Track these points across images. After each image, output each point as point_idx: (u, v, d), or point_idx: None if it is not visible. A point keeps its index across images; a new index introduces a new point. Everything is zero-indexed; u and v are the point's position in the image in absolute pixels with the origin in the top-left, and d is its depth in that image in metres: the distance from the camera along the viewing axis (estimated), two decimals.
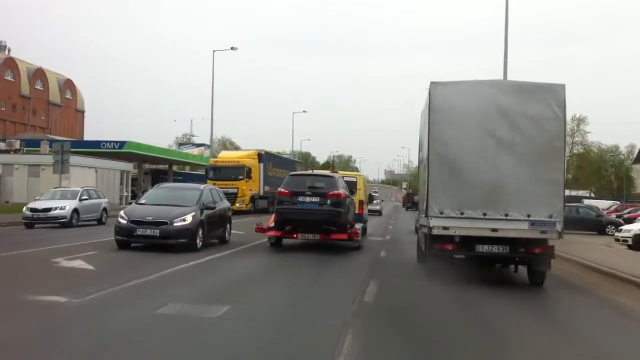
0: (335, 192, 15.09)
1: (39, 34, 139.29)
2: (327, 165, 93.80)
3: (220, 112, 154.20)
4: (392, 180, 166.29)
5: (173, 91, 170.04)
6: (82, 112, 79.51)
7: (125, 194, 47.49)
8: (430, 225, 10.43)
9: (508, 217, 10.19)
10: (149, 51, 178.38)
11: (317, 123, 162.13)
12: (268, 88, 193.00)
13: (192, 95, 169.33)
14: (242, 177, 36.16)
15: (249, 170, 36.69)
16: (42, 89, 70.89)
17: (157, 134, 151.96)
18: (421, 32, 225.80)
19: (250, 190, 36.84)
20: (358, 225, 17.31)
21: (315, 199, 14.91)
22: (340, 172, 22.86)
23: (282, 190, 15.28)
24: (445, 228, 10.37)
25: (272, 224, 15.78)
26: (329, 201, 14.88)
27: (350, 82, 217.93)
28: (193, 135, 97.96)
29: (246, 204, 36.00)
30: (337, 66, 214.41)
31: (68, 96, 76.02)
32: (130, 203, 48.96)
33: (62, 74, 76.28)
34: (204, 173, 43.91)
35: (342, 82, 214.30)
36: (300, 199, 14.94)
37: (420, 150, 13.00)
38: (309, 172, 21.23)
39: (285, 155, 59.72)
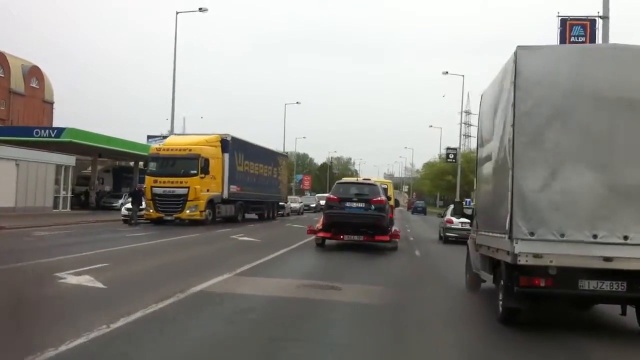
0: (379, 198, 17.42)
1: (37, 30, 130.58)
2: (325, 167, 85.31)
3: (217, 110, 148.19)
4: (393, 184, 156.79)
5: (168, 89, 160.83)
6: (51, 103, 69.52)
7: (63, 194, 37.07)
8: (516, 252, 7.23)
9: (628, 241, 7.18)
10: (145, 49, 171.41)
11: (314, 124, 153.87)
12: (264, 87, 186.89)
13: (193, 95, 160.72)
14: (195, 171, 25.52)
15: (206, 163, 25.95)
16: (2, 75, 61.41)
17: (148, 131, 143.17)
18: (421, 32, 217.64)
19: (208, 190, 26.24)
20: (397, 228, 19.87)
21: (361, 205, 17.23)
22: (373, 179, 23.33)
23: (331, 196, 17.95)
24: (536, 256, 7.25)
25: (321, 227, 17.98)
26: (373, 207, 17.17)
27: (354, 83, 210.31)
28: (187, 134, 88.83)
29: (200, 211, 25.38)
30: (337, 66, 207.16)
31: (34, 85, 66.27)
32: (75, 207, 39.56)
33: (27, 60, 66.47)
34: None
35: (340, 83, 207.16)
36: (348, 204, 17.28)
37: (481, 145, 10.18)
38: (355, 180, 21.57)
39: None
